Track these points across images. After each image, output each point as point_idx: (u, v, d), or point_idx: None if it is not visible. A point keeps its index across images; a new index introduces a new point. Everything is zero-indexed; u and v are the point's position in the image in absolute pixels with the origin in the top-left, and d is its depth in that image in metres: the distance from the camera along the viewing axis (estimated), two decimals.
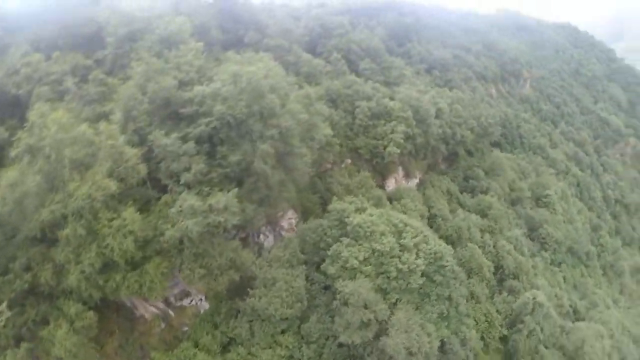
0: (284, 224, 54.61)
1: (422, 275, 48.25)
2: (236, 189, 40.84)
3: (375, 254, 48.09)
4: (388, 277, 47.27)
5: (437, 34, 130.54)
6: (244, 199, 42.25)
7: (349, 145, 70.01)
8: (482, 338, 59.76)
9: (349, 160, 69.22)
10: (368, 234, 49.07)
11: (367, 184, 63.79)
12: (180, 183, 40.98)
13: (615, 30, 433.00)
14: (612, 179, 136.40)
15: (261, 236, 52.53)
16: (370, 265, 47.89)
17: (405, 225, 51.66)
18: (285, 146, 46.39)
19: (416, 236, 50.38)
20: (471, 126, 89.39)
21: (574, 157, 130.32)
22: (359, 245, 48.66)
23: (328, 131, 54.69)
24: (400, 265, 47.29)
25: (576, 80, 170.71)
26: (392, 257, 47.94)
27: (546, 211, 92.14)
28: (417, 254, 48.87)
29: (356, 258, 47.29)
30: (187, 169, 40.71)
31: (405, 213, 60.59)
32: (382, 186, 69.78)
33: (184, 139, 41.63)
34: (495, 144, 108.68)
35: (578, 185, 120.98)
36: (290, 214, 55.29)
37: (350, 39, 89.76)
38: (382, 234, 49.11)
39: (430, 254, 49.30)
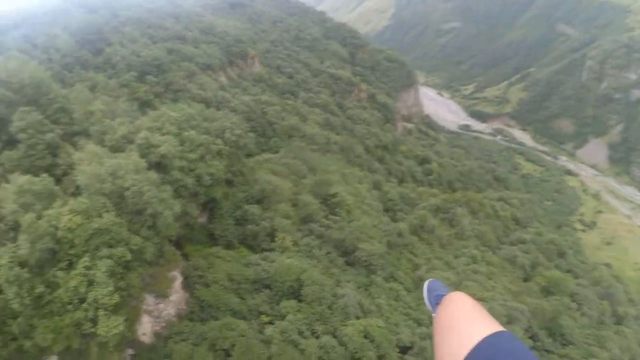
0: None
1: None
2: None
3: None
4: None
5: (143, 28, 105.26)
6: None
7: None
8: None
9: None
10: None
11: None
12: None
13: None
14: (365, 128, 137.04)
15: None
16: None
17: None
18: None
19: None
20: (218, 150, 65.13)
21: (326, 124, 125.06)
22: None
23: None
24: None
25: (299, 46, 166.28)
26: None
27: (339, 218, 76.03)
28: None
29: None
30: None
31: None
32: None
33: None
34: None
35: (343, 150, 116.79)
36: None
37: None
38: None
39: None
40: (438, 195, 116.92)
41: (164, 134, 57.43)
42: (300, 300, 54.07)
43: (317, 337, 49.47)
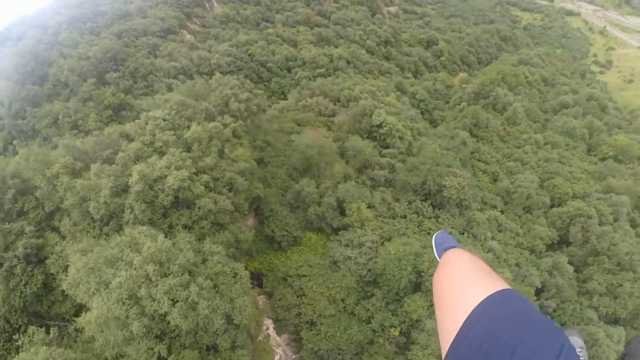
0: None
1: None
2: None
3: None
4: None
5: (79, 26, 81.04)
6: None
7: None
8: None
9: None
10: None
11: None
12: None
13: None
14: (359, 29, 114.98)
15: None
16: None
17: None
18: None
19: None
20: (233, 130, 51.81)
21: (319, 40, 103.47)
22: None
23: None
24: None
25: None
26: None
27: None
28: None
29: None
30: None
31: None
32: None
33: None
34: None
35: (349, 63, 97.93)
36: None
37: None
38: None
39: None
40: (471, 80, 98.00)
41: (160, 150, 39.55)
42: (423, 290, 39.60)
43: None
